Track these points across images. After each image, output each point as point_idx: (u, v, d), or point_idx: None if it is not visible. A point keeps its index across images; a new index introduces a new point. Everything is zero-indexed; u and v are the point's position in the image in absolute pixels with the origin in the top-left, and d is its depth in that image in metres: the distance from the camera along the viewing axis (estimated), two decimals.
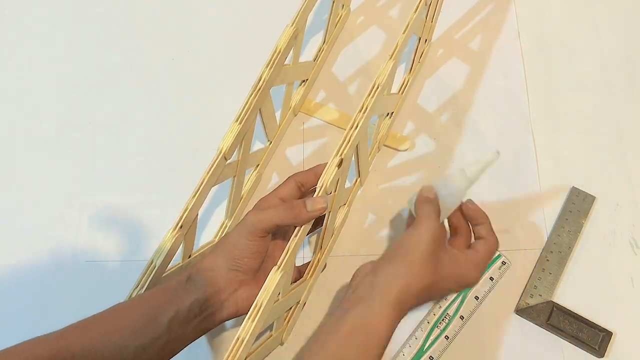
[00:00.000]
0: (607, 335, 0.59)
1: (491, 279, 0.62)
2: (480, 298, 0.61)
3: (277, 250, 0.53)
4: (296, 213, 0.49)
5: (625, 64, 0.72)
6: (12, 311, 0.62)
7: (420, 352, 0.59)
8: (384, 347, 0.46)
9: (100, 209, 0.66)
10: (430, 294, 0.50)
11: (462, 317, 0.60)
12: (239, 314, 0.51)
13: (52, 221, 0.65)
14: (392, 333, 0.47)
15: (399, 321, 0.47)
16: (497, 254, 0.63)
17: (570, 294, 0.61)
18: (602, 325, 0.60)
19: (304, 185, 0.56)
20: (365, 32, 0.75)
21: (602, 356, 0.59)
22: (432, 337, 0.60)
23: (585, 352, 0.59)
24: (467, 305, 0.61)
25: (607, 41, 0.73)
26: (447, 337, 0.60)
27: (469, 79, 0.71)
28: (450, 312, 0.61)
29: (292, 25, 0.57)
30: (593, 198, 0.65)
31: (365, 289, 0.48)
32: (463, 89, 0.71)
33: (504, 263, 0.62)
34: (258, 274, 0.51)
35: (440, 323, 0.60)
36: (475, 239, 0.55)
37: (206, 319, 0.49)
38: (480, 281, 0.62)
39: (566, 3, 0.75)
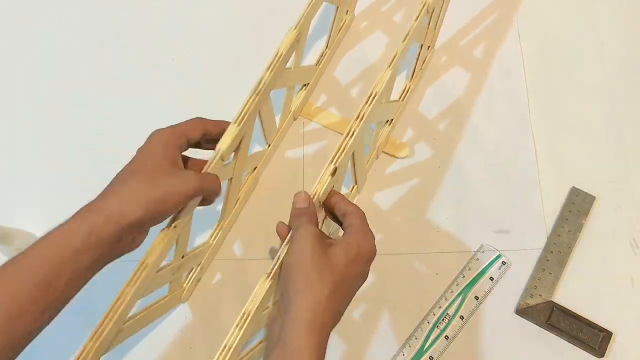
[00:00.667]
0: (607, 335, 0.59)
1: (491, 279, 0.62)
2: (480, 298, 0.61)
3: None
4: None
5: (626, 65, 0.72)
6: None
7: (420, 352, 0.59)
8: None
9: None
10: (344, 293, 0.45)
11: (462, 317, 0.61)
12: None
13: (52, 222, 0.66)
14: (323, 357, 0.42)
15: (326, 339, 0.43)
16: (497, 253, 0.63)
17: (570, 294, 0.61)
18: (602, 325, 0.59)
19: (207, 134, 0.53)
20: (369, 37, 0.75)
21: (602, 356, 0.59)
22: (432, 337, 0.60)
23: (585, 352, 0.59)
24: (467, 305, 0.61)
25: (607, 43, 0.73)
26: (447, 337, 0.60)
27: (470, 81, 0.72)
28: (450, 312, 0.61)
29: (295, 29, 0.57)
30: (593, 198, 0.65)
31: (275, 331, 0.44)
32: (464, 92, 0.71)
33: (504, 263, 0.63)
34: None
35: (440, 323, 0.60)
36: (342, 221, 0.50)
37: (101, 267, 0.46)
38: (481, 281, 0.62)
39: (567, 6, 0.76)
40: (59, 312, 0.44)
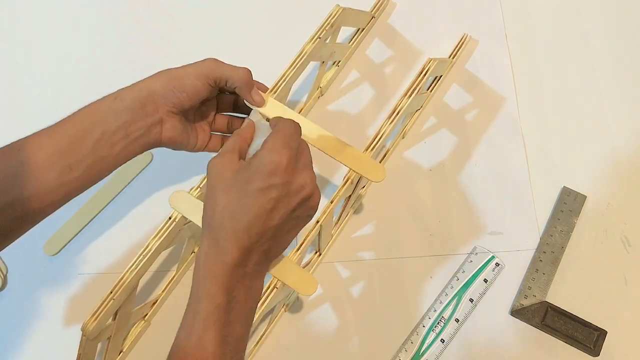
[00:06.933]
0: (601, 334, 0.59)
1: (485, 280, 0.62)
2: (474, 300, 0.61)
3: (201, 126, 0.55)
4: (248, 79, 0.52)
5: (613, 65, 0.72)
6: (4, 324, 0.61)
7: (417, 355, 0.59)
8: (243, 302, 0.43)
9: (93, 223, 0.65)
10: (239, 206, 0.42)
11: (457, 320, 0.60)
12: (162, 145, 0.52)
13: (44, 233, 0.65)
14: (238, 276, 0.42)
15: (224, 247, 0.42)
16: (490, 255, 0.63)
17: (564, 293, 0.62)
18: (596, 324, 0.60)
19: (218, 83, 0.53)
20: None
21: (597, 355, 0.59)
22: (428, 341, 0.60)
23: (580, 351, 0.59)
24: (462, 307, 0.61)
25: (595, 44, 0.74)
26: (442, 341, 0.60)
27: (459, 87, 0.72)
28: (446, 315, 0.61)
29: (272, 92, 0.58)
30: (584, 197, 0.65)
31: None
32: (453, 97, 0.71)
33: (497, 264, 0.63)
34: (184, 120, 0.52)
35: (435, 326, 0.60)
36: None
37: (133, 142, 0.49)
38: (475, 283, 0.62)
39: (554, 9, 0.76)
40: (79, 187, 0.47)
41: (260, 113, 0.52)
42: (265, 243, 0.43)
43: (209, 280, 0.41)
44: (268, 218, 0.42)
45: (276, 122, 0.46)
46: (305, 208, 0.45)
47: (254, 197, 0.42)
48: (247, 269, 0.43)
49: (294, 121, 0.46)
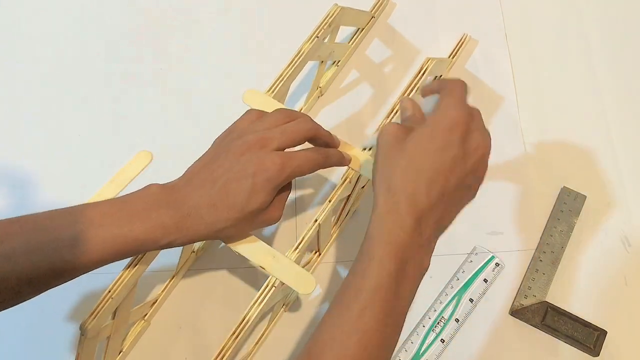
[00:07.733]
0: (601, 334, 0.59)
1: (485, 280, 0.62)
2: (474, 300, 0.61)
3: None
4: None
5: (614, 63, 0.72)
6: (3, 323, 0.61)
7: (417, 356, 0.59)
8: (395, 264, 0.40)
9: None
10: (419, 171, 0.42)
11: (457, 320, 0.60)
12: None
13: None
14: (400, 242, 0.41)
15: (404, 222, 0.41)
16: (490, 255, 0.63)
17: (564, 293, 0.62)
18: (596, 324, 0.60)
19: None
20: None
21: (597, 355, 0.59)
22: (427, 341, 0.60)
23: (580, 351, 0.59)
24: (462, 308, 0.61)
25: (594, 41, 0.74)
26: (442, 341, 0.60)
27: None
28: (446, 315, 0.61)
29: (269, 91, 0.58)
30: (584, 197, 0.65)
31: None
32: None
33: (497, 265, 0.63)
34: None
35: (435, 327, 0.60)
36: None
37: None
38: (475, 283, 0.62)
39: (552, 6, 0.76)
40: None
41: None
42: (440, 208, 0.42)
43: (383, 246, 0.40)
44: (446, 178, 0.42)
45: (444, 84, 0.46)
46: (475, 178, 0.45)
47: (435, 155, 0.42)
48: (421, 241, 0.42)
49: (462, 80, 0.46)
